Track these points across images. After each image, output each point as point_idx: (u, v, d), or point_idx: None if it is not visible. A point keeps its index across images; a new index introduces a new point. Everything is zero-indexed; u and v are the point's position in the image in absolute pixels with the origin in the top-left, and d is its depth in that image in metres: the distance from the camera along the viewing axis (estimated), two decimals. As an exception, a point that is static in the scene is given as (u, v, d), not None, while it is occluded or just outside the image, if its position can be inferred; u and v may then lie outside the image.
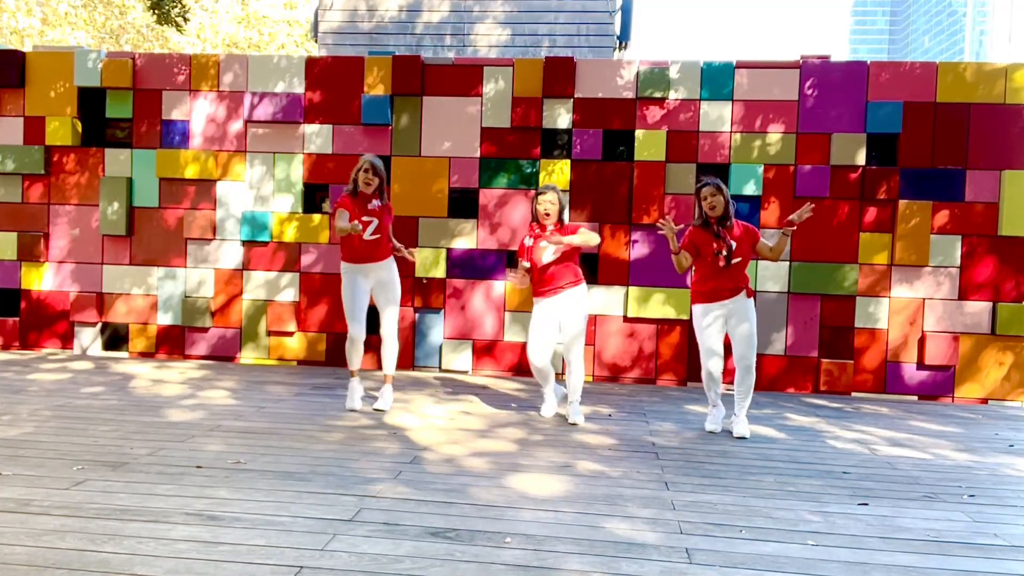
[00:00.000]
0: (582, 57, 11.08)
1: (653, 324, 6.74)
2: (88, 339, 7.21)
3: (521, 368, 6.81)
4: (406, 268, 6.92)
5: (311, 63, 7.02)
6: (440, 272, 6.88)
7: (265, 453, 3.99)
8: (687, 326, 6.66)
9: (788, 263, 6.62)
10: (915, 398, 6.54)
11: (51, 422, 4.51)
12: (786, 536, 3.04)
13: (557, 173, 6.76)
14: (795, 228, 4.72)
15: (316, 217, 6.96)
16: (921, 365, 6.53)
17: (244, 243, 7.05)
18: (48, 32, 17.22)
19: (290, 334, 7.01)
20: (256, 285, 7.04)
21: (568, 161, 6.78)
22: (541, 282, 4.98)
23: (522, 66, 6.80)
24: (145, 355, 7.14)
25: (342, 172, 6.91)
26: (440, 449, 4.21)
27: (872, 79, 6.57)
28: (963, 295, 6.50)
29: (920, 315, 6.54)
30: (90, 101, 7.19)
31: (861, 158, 6.53)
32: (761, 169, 6.62)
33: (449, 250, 6.89)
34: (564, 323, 4.99)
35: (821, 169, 6.57)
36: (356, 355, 5.14)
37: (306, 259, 6.99)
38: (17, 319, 7.26)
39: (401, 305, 6.91)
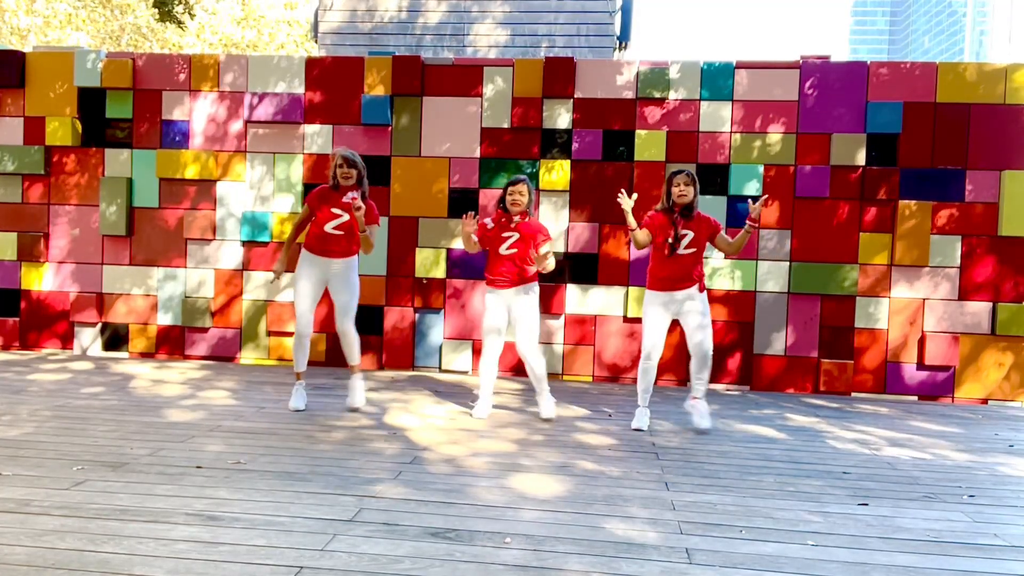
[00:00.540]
0: (582, 57, 11.09)
1: (653, 324, 6.73)
2: (88, 339, 7.21)
3: (521, 368, 6.81)
4: (406, 267, 6.92)
5: (311, 63, 7.02)
6: (440, 272, 6.88)
7: (265, 453, 3.99)
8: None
9: (788, 263, 6.63)
10: (915, 398, 6.54)
11: (51, 422, 4.51)
12: (786, 536, 3.04)
13: (557, 173, 6.76)
14: (758, 226, 4.71)
15: (316, 217, 6.95)
16: (921, 365, 6.53)
17: (244, 243, 7.05)
18: (48, 32, 17.23)
19: (290, 334, 7.01)
20: (256, 285, 7.04)
21: (568, 161, 6.78)
22: (498, 272, 4.93)
23: (522, 66, 6.80)
24: (145, 355, 7.14)
25: (342, 172, 6.91)
26: (440, 449, 4.21)
27: (872, 79, 6.58)
28: (963, 295, 6.50)
29: (920, 315, 6.54)
30: (90, 101, 7.19)
31: (861, 158, 6.53)
32: (761, 169, 6.62)
33: (449, 250, 6.89)
34: (521, 323, 4.94)
35: (821, 169, 6.57)
36: (302, 354, 5.01)
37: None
38: (17, 319, 7.26)
39: (401, 305, 6.92)
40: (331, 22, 12.26)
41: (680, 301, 4.79)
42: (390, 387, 6.07)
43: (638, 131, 6.71)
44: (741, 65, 6.68)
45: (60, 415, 4.71)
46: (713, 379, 6.66)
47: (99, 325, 7.20)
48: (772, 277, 6.64)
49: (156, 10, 8.91)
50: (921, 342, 6.52)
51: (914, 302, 6.54)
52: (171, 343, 7.11)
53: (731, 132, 6.66)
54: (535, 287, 5.02)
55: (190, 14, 9.07)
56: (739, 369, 6.68)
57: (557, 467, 3.93)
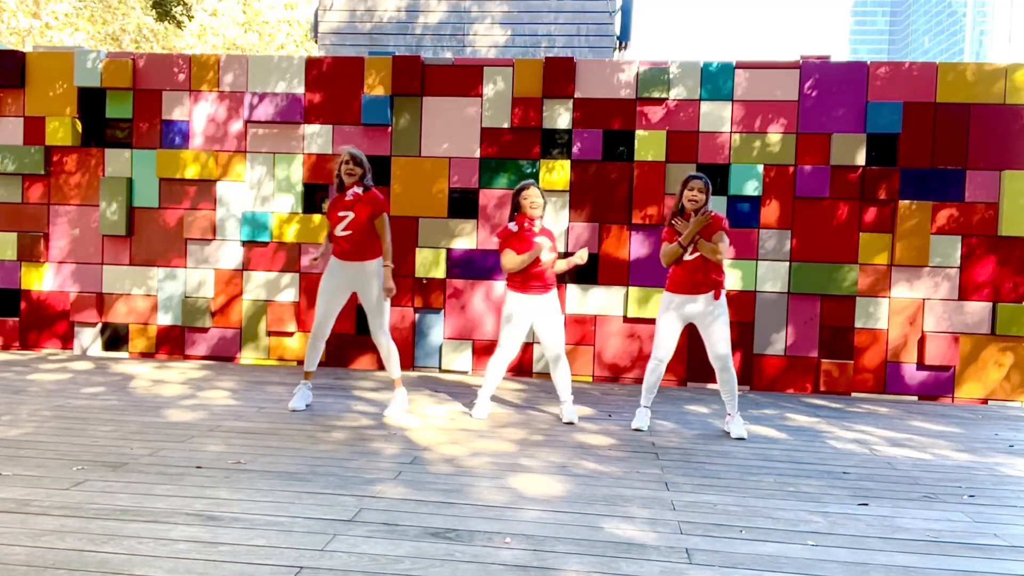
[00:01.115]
0: (582, 57, 11.09)
1: (653, 324, 6.74)
2: (88, 339, 7.21)
3: (521, 368, 6.81)
4: (406, 267, 6.92)
5: (311, 63, 7.02)
6: (440, 272, 6.88)
7: (265, 453, 3.99)
8: (687, 326, 6.64)
9: (788, 263, 6.63)
10: (915, 398, 6.54)
11: (51, 422, 4.51)
12: (786, 536, 3.04)
13: (557, 173, 6.76)
14: (698, 239, 4.66)
15: (316, 217, 6.96)
16: (921, 365, 6.53)
17: (244, 243, 7.05)
18: (48, 33, 17.23)
19: (290, 334, 7.01)
20: (256, 285, 7.04)
21: (568, 161, 6.78)
22: (530, 277, 4.95)
23: (522, 66, 6.80)
24: (145, 355, 7.14)
25: (342, 172, 6.92)
26: (440, 449, 4.21)
27: (872, 79, 6.58)
28: (963, 295, 6.50)
29: (920, 315, 6.54)
30: (90, 101, 7.19)
31: (861, 158, 6.53)
32: (761, 169, 6.62)
33: (449, 250, 6.89)
34: (547, 325, 4.98)
35: (821, 169, 6.57)
36: (313, 354, 5.02)
37: (306, 259, 6.99)
38: (17, 319, 7.26)
39: (401, 305, 6.91)
40: (331, 22, 12.26)
41: (695, 307, 4.75)
42: (390, 387, 6.06)
43: (638, 131, 6.71)
44: (741, 65, 6.68)
45: (60, 415, 4.71)
46: (713, 379, 6.66)
47: (99, 325, 7.20)
48: (772, 277, 6.64)
49: (155, 11, 8.89)
50: (921, 342, 6.52)
51: (914, 302, 6.54)
52: (171, 343, 7.11)
53: (731, 132, 6.66)
54: (556, 293, 5.10)
55: (188, 15, 9.05)
56: (739, 369, 6.67)
57: (557, 467, 3.93)
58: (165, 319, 7.11)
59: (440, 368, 6.92)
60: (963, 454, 4.58)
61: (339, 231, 4.87)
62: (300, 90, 7.00)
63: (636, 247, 6.74)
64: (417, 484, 3.54)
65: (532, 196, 4.90)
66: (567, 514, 3.20)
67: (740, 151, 6.65)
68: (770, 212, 6.64)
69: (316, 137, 6.99)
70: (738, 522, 3.18)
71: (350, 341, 6.93)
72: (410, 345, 6.93)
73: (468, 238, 6.86)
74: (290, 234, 6.97)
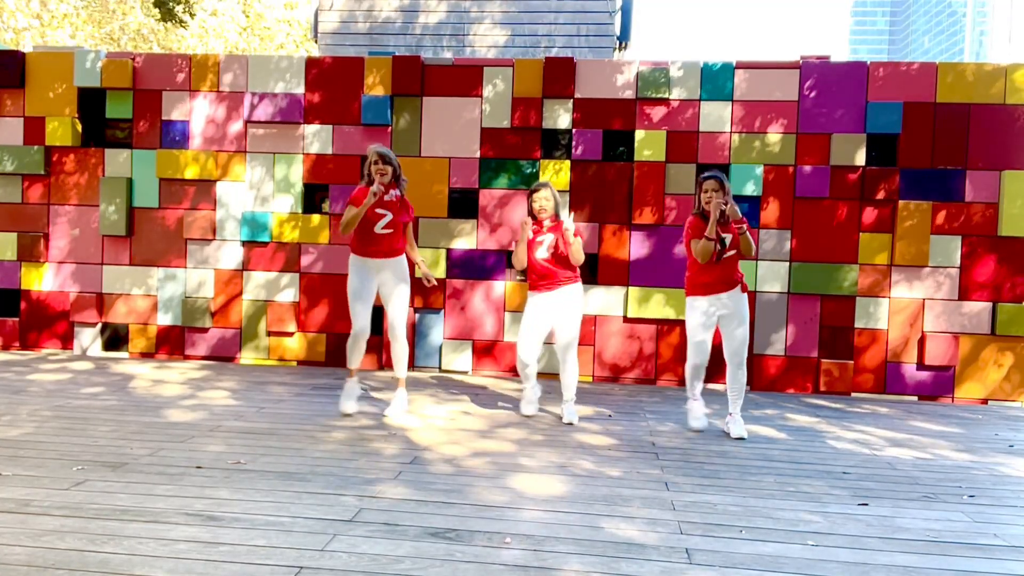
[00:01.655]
0: (582, 57, 11.09)
1: (653, 324, 6.74)
2: (88, 339, 7.21)
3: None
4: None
5: (311, 64, 7.02)
6: (440, 272, 6.88)
7: (265, 453, 3.99)
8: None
9: (788, 263, 6.63)
10: (915, 398, 6.54)
11: (51, 422, 4.51)
12: (786, 536, 3.04)
13: (557, 173, 6.76)
14: (745, 224, 4.65)
15: (316, 217, 6.96)
16: (921, 365, 6.53)
17: (244, 243, 7.05)
18: (48, 33, 17.23)
19: (290, 334, 7.01)
20: (256, 285, 7.04)
21: (568, 161, 6.78)
22: (538, 276, 5.01)
23: (522, 66, 6.80)
24: (145, 355, 7.14)
25: (342, 173, 6.92)
26: (440, 449, 4.21)
27: (872, 79, 6.58)
28: (963, 295, 6.50)
29: (920, 315, 6.54)
30: (90, 101, 7.19)
31: (861, 158, 6.53)
32: (761, 169, 6.62)
33: (449, 250, 6.89)
34: (560, 321, 5.01)
35: (821, 169, 6.57)
36: (356, 353, 4.99)
37: (306, 259, 6.99)
38: (17, 319, 7.26)
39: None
40: (331, 22, 12.26)
41: (727, 305, 4.75)
42: (390, 387, 6.07)
43: (638, 131, 6.71)
44: (741, 65, 6.68)
45: (60, 415, 4.71)
46: (713, 379, 6.66)
47: (99, 325, 7.20)
48: (772, 277, 6.64)
49: (157, 10, 8.87)
50: (921, 342, 6.52)
51: (914, 302, 6.54)
52: (171, 343, 7.11)
53: (731, 132, 6.66)
54: (578, 286, 5.06)
55: (190, 13, 9.02)
56: (739, 369, 6.67)
57: (557, 467, 3.93)
58: (165, 319, 7.11)
59: (440, 368, 6.92)
60: (963, 454, 4.58)
61: (379, 229, 4.81)
62: (300, 90, 7.00)
63: (636, 247, 6.74)
64: (417, 484, 3.54)
65: (540, 199, 4.95)
66: (567, 514, 3.20)
67: (740, 151, 6.65)
68: (770, 212, 6.64)
69: (316, 137, 6.99)
70: (738, 522, 3.18)
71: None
72: (410, 345, 6.91)
73: (468, 238, 6.86)
74: (290, 234, 6.97)
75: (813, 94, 6.60)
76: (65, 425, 4.46)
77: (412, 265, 5.26)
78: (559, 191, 6.77)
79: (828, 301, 6.60)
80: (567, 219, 4.87)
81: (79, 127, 7.17)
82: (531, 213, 5.02)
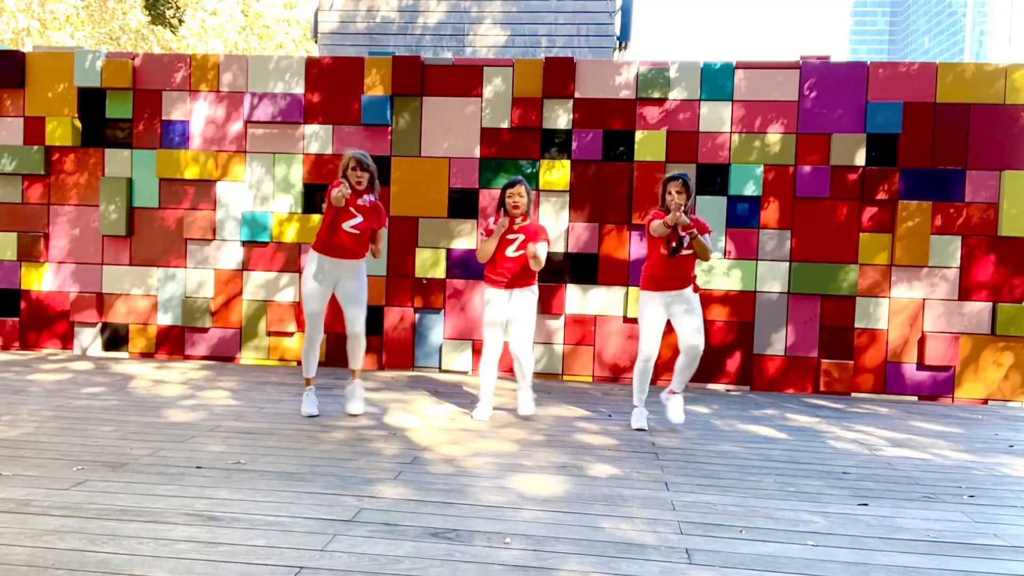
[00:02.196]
0: (582, 57, 11.09)
1: (653, 324, 6.73)
2: (88, 339, 7.21)
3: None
4: (406, 267, 6.92)
5: (311, 64, 7.02)
6: (440, 272, 6.88)
7: (265, 453, 3.99)
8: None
9: (788, 263, 6.63)
10: (915, 398, 6.54)
11: (51, 422, 4.51)
12: (786, 536, 3.04)
13: (557, 173, 6.76)
14: (692, 230, 4.65)
15: (316, 217, 6.96)
16: (921, 365, 6.53)
17: (244, 243, 7.05)
18: (49, 33, 17.23)
19: (290, 334, 7.01)
20: (256, 285, 7.04)
21: (568, 161, 6.78)
22: (503, 271, 4.94)
23: (522, 66, 6.80)
24: (145, 355, 7.14)
25: (342, 172, 6.91)
26: (440, 449, 4.21)
27: (872, 79, 6.58)
28: (963, 295, 6.50)
29: (920, 315, 6.54)
30: (90, 101, 7.19)
31: (861, 158, 6.53)
32: (761, 169, 6.62)
33: (449, 250, 6.89)
34: (520, 323, 4.95)
35: (821, 169, 6.57)
36: (313, 357, 4.95)
37: (306, 259, 6.99)
38: (17, 319, 7.26)
39: (401, 306, 6.92)
40: (331, 22, 12.26)
41: (675, 301, 4.79)
42: (390, 387, 6.07)
43: (638, 131, 6.71)
44: (741, 65, 6.68)
45: (60, 415, 4.71)
46: (713, 379, 6.66)
47: (99, 325, 7.20)
48: (772, 277, 6.64)
49: (148, 13, 8.83)
50: (921, 342, 6.52)
51: (914, 302, 6.54)
52: (171, 343, 7.11)
53: (731, 132, 6.66)
54: (535, 289, 5.05)
55: (179, 19, 8.98)
56: (739, 369, 6.68)
57: (557, 467, 3.93)
58: (165, 319, 7.11)
59: (440, 368, 6.92)
60: (963, 454, 4.58)
61: (348, 227, 4.76)
62: (300, 90, 7.00)
63: (636, 247, 6.74)
64: (417, 484, 3.54)
65: (515, 195, 4.89)
66: (567, 514, 3.20)
67: (740, 151, 6.65)
68: (770, 212, 6.64)
69: (316, 137, 6.99)
70: (738, 522, 3.18)
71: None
72: (410, 345, 6.93)
73: (468, 238, 6.86)
74: (290, 234, 6.97)
75: (813, 94, 6.60)
76: (65, 425, 4.46)
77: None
78: (559, 191, 6.79)
79: (828, 301, 6.60)
80: (533, 246, 4.82)
81: (79, 127, 7.17)
82: (504, 208, 4.94)
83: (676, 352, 6.65)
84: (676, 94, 6.71)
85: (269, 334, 7.04)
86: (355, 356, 5.01)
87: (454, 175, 6.88)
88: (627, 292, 6.73)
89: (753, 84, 6.65)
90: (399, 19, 12.13)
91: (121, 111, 7.12)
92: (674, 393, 4.92)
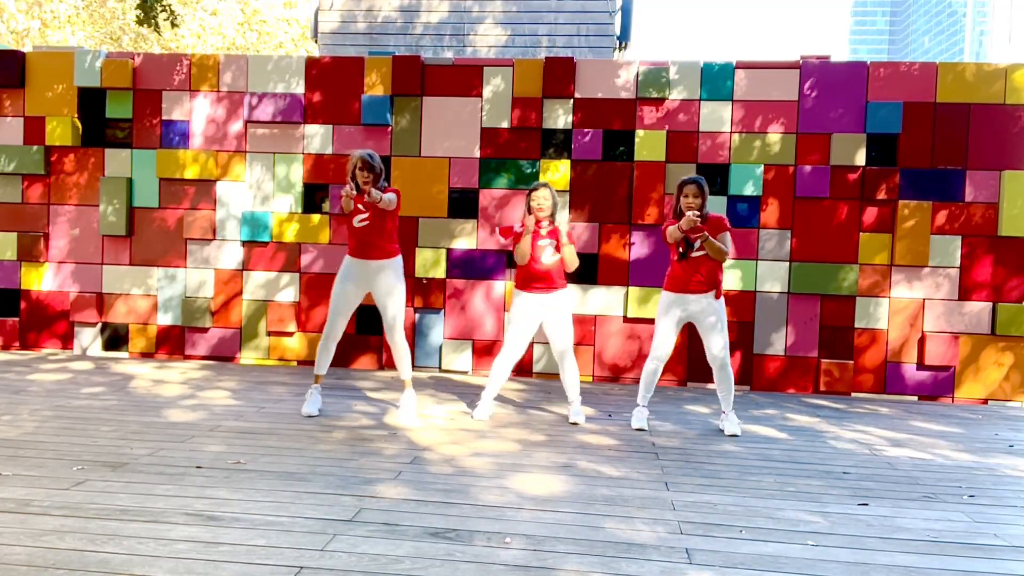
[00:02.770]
0: (582, 57, 11.09)
1: (653, 324, 6.73)
2: (88, 339, 7.21)
3: (522, 368, 6.80)
4: (406, 267, 6.91)
5: (311, 63, 7.02)
6: (440, 272, 6.88)
7: (265, 453, 3.99)
8: (687, 326, 6.65)
9: (788, 263, 6.63)
10: (915, 398, 6.54)
11: (51, 422, 4.51)
12: (786, 536, 3.04)
13: (557, 173, 6.76)
14: (702, 234, 4.65)
15: (316, 217, 6.96)
16: (921, 365, 6.53)
17: (244, 243, 7.05)
18: (49, 33, 17.23)
19: (290, 334, 7.01)
20: (256, 285, 7.04)
21: (568, 161, 6.78)
22: (534, 277, 4.95)
23: (522, 66, 6.80)
24: (145, 355, 7.14)
25: (342, 172, 6.91)
26: (440, 449, 4.21)
27: (872, 79, 6.57)
28: (963, 295, 6.50)
29: (920, 315, 6.54)
30: (90, 101, 7.19)
31: (861, 158, 6.53)
32: (761, 169, 6.62)
33: (449, 250, 6.89)
34: (554, 328, 4.97)
35: (821, 169, 6.57)
36: (325, 357, 4.98)
37: (306, 259, 6.99)
38: (17, 319, 7.26)
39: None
40: (331, 22, 12.26)
41: (694, 306, 4.77)
42: (390, 387, 6.07)
43: (638, 131, 6.71)
44: (741, 65, 6.68)
45: (60, 415, 4.71)
46: (710, 380, 6.66)
47: (99, 325, 7.20)
48: (772, 277, 6.64)
49: (138, 11, 8.76)
50: (921, 342, 6.52)
51: (914, 302, 6.54)
52: (171, 343, 7.11)
53: (731, 132, 6.66)
54: (569, 292, 5.07)
55: (173, 23, 8.91)
56: (739, 369, 6.67)
57: (557, 467, 3.93)
58: (165, 319, 7.11)
59: (440, 368, 6.92)
60: (963, 454, 4.58)
61: (357, 222, 4.80)
62: (300, 90, 7.00)
63: (636, 247, 6.74)
64: (417, 484, 3.54)
65: (539, 198, 4.91)
66: (567, 514, 3.20)
67: (740, 151, 6.65)
68: (770, 212, 6.64)
69: (316, 137, 6.99)
70: (738, 522, 3.18)
71: (351, 341, 6.92)
72: (410, 345, 6.92)
73: (468, 238, 6.86)
74: (290, 234, 6.97)
75: (813, 94, 6.60)
76: (65, 425, 4.46)
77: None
78: (559, 191, 6.78)
79: (828, 301, 6.60)
80: (564, 225, 4.87)
81: (79, 127, 7.17)
82: (529, 213, 4.99)
83: (677, 352, 6.66)
84: (676, 94, 6.71)
85: (269, 334, 7.04)
86: (397, 364, 5.02)
87: (454, 175, 6.88)
88: (627, 292, 6.73)
89: (753, 84, 6.65)
90: (399, 19, 12.13)
91: (121, 111, 7.12)
92: (725, 413, 4.92)
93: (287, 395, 5.60)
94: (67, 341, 7.24)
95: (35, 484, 3.35)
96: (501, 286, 6.85)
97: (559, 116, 6.79)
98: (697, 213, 4.61)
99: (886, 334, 6.56)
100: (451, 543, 2.83)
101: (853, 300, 6.58)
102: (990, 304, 6.47)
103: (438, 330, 6.92)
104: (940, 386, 6.53)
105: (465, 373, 6.87)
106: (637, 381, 6.73)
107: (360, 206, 4.81)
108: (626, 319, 6.76)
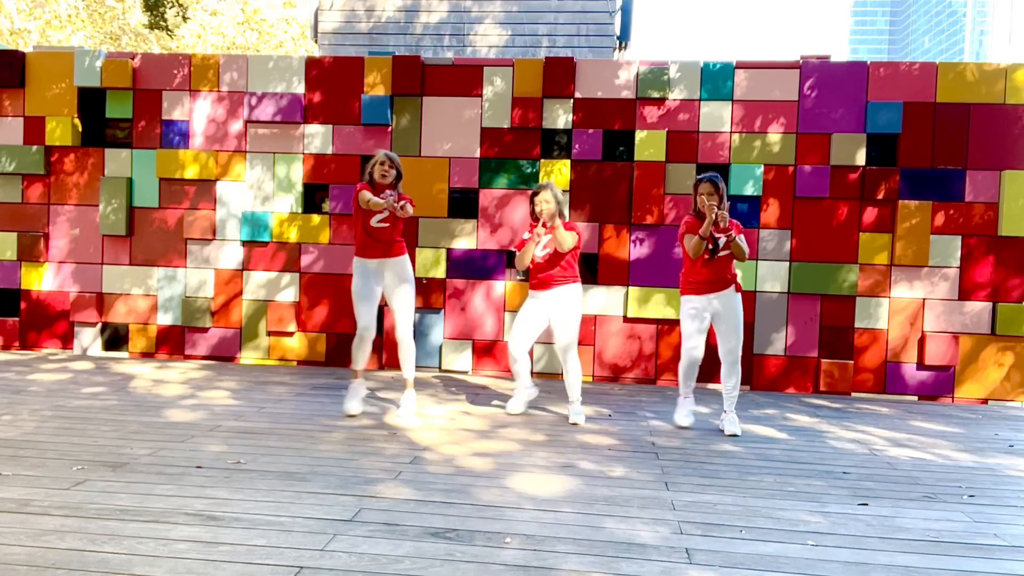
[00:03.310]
0: (582, 57, 11.09)
1: (653, 324, 6.74)
2: (88, 339, 7.21)
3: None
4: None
5: (311, 63, 7.02)
6: (440, 272, 6.88)
7: (265, 453, 3.99)
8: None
9: (788, 263, 6.63)
10: (915, 398, 6.54)
11: (51, 422, 4.51)
12: (786, 536, 3.04)
13: (557, 173, 6.76)
14: (731, 232, 4.66)
15: (316, 217, 6.96)
16: (921, 365, 6.53)
17: (244, 243, 7.05)
18: (49, 33, 17.23)
19: (290, 334, 7.01)
20: (256, 285, 7.04)
21: (568, 161, 6.78)
22: (537, 276, 5.04)
23: (522, 66, 6.80)
24: (145, 355, 7.14)
25: (342, 172, 6.92)
26: (440, 449, 4.21)
27: (872, 79, 6.57)
28: (963, 295, 6.50)
29: (920, 315, 6.54)
30: (90, 101, 7.19)
31: (861, 158, 6.53)
32: (761, 169, 6.62)
33: (449, 250, 6.89)
34: (558, 321, 5.00)
35: (821, 169, 6.57)
36: (362, 353, 5.00)
37: (306, 259, 6.99)
38: (17, 319, 7.26)
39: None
40: (331, 22, 12.26)
41: (717, 303, 4.81)
42: (390, 387, 6.07)
43: (638, 131, 6.71)
44: (741, 65, 6.68)
45: (60, 415, 4.71)
46: (713, 379, 6.66)
47: (99, 325, 7.20)
48: (772, 277, 6.64)
49: (148, 14, 8.78)
50: (921, 342, 6.52)
51: (914, 302, 6.54)
52: (171, 343, 7.11)
53: (731, 132, 6.66)
54: (576, 288, 5.06)
55: (183, 17, 8.93)
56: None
57: (557, 467, 3.93)
58: (165, 319, 7.11)
59: (440, 368, 6.92)
60: (963, 454, 4.58)
61: (375, 222, 4.83)
62: (300, 90, 7.00)
63: (636, 247, 6.74)
64: (417, 484, 3.54)
65: (541, 202, 4.94)
66: (567, 514, 3.20)
67: (740, 151, 6.65)
68: (770, 212, 6.64)
69: (316, 137, 6.99)
70: (738, 522, 3.18)
71: (351, 340, 6.91)
72: (410, 345, 6.92)
73: (468, 238, 6.86)
74: (290, 234, 6.97)
75: (813, 94, 6.59)
76: (65, 425, 4.46)
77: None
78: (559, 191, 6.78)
79: (828, 301, 6.60)
80: (544, 232, 4.89)
81: (79, 127, 7.17)
82: (532, 215, 5.02)
83: (677, 353, 6.67)
84: (676, 94, 6.71)
85: (269, 334, 7.04)
86: (402, 363, 5.04)
87: (454, 175, 6.88)
88: (627, 292, 6.73)
89: (753, 84, 6.65)
90: (399, 19, 12.13)
91: (121, 111, 7.12)
92: (727, 412, 4.93)
93: (287, 395, 5.60)
94: (67, 341, 7.24)
95: (35, 484, 3.35)
96: (501, 286, 6.85)
97: (559, 116, 6.79)
98: (715, 209, 4.59)
99: (886, 334, 6.56)
100: (451, 543, 2.83)
101: (853, 300, 6.58)
102: (990, 304, 6.47)
103: (438, 330, 6.92)
104: (940, 386, 6.53)
105: (465, 373, 6.87)
106: (637, 381, 6.74)
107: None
108: (626, 319, 6.76)
